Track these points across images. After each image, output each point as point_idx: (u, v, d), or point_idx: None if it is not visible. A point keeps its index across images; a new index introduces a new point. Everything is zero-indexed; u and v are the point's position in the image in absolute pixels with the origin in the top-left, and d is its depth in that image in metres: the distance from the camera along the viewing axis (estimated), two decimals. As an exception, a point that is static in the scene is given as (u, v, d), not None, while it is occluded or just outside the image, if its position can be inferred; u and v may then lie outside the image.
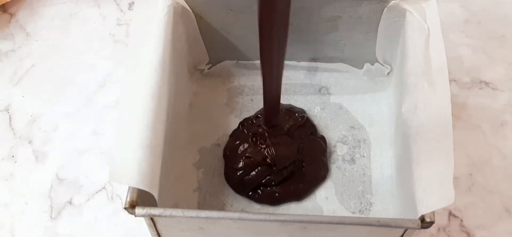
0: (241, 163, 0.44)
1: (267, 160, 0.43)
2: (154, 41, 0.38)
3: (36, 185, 0.45)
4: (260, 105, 0.47)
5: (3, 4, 0.58)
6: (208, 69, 0.50)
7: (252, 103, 0.49)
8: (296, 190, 0.44)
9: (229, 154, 0.45)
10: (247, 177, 0.44)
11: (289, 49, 0.48)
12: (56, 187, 0.45)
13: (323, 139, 0.46)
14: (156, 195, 0.33)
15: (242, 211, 0.43)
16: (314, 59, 0.49)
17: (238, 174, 0.44)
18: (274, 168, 0.43)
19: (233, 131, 0.47)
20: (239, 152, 0.45)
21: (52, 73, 0.53)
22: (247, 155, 0.44)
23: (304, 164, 0.44)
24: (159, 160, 0.35)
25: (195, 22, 0.45)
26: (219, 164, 0.45)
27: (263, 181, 0.43)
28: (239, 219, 0.32)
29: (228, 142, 0.46)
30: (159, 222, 0.34)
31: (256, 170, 0.44)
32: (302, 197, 0.44)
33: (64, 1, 0.59)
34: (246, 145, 0.45)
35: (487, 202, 0.44)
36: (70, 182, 0.45)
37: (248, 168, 0.44)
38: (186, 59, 0.47)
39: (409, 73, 0.39)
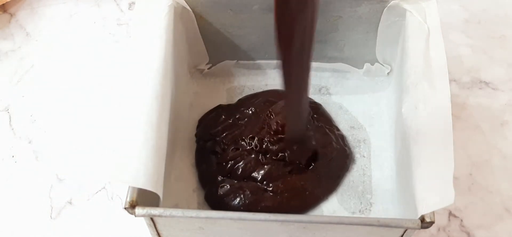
0: (220, 189, 0.42)
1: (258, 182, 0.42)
2: (155, 41, 0.38)
3: (36, 185, 0.45)
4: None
5: (3, 4, 0.58)
6: (208, 69, 0.50)
7: (252, 103, 0.49)
8: (302, 207, 0.42)
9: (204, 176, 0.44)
10: (231, 203, 0.42)
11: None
12: (56, 187, 0.45)
13: (342, 137, 0.46)
14: (161, 195, 0.33)
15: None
16: (314, 59, 0.49)
17: (224, 200, 0.42)
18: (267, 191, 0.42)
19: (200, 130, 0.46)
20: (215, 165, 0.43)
21: (52, 73, 0.53)
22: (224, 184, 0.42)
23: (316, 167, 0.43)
24: (163, 160, 0.35)
25: (195, 22, 0.45)
26: (219, 164, 0.45)
27: (258, 209, 0.41)
28: (239, 219, 0.32)
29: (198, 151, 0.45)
30: (159, 222, 0.34)
31: (240, 196, 0.42)
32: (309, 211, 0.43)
33: (64, 1, 0.59)
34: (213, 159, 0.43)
35: (487, 202, 0.44)
36: (70, 182, 0.45)
37: (228, 195, 0.42)
38: (186, 59, 0.47)
39: (409, 73, 0.39)
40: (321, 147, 0.44)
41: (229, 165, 0.43)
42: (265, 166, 0.42)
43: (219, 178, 0.43)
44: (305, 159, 0.43)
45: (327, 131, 0.45)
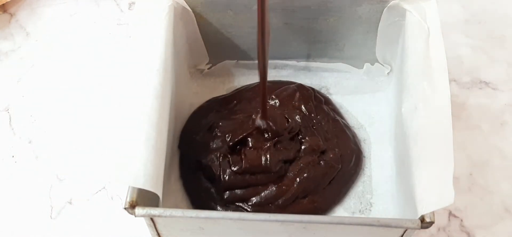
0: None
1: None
2: (155, 41, 0.38)
3: (36, 185, 0.45)
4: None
5: (3, 4, 0.58)
6: (208, 69, 0.50)
7: (252, 103, 0.48)
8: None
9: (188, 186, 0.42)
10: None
11: (289, 49, 0.48)
12: (56, 187, 0.45)
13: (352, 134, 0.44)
14: (160, 195, 0.33)
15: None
16: (314, 59, 0.49)
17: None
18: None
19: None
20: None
21: (52, 73, 0.53)
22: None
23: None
24: (163, 160, 0.35)
25: (195, 22, 0.45)
26: (219, 164, 0.45)
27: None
28: (239, 219, 0.32)
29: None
30: (159, 222, 0.34)
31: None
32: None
33: (64, 1, 0.59)
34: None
35: (487, 202, 0.43)
36: (70, 182, 0.45)
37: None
38: (186, 59, 0.47)
39: (409, 73, 0.39)
40: (339, 149, 0.43)
41: (204, 181, 0.42)
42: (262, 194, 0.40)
43: (203, 193, 0.41)
44: (327, 181, 0.41)
45: (344, 126, 0.45)
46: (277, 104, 0.44)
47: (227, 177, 0.40)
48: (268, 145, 0.40)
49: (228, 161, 0.40)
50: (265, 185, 0.40)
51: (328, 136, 0.43)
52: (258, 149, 0.40)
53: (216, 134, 0.42)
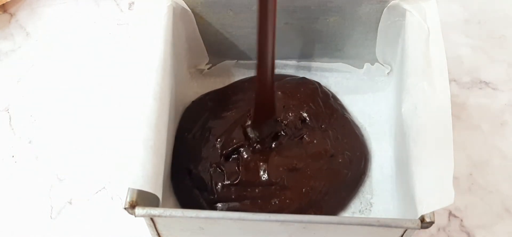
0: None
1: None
2: (154, 41, 0.38)
3: (36, 185, 0.45)
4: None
5: (3, 4, 0.58)
6: (208, 69, 0.49)
7: (252, 103, 0.48)
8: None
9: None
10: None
11: (289, 49, 0.48)
12: (56, 187, 0.45)
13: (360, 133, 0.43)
14: (160, 196, 0.33)
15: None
16: (314, 59, 0.49)
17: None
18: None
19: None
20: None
21: (52, 73, 0.53)
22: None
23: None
24: (162, 160, 0.35)
25: (195, 22, 0.45)
26: (219, 164, 0.45)
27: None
28: (239, 219, 0.32)
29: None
30: (159, 222, 0.34)
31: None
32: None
33: (64, 1, 0.59)
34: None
35: (487, 202, 0.44)
36: (70, 182, 0.45)
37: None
38: (186, 59, 0.47)
39: (409, 73, 0.39)
40: (349, 151, 0.42)
41: (194, 190, 0.40)
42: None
43: (192, 202, 0.40)
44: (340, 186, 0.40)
45: (353, 125, 0.44)
46: (280, 95, 0.42)
47: (219, 189, 0.38)
48: (268, 154, 0.38)
49: (221, 173, 0.38)
50: (265, 198, 0.38)
51: (338, 135, 0.42)
52: (255, 160, 0.38)
53: (208, 136, 0.41)
